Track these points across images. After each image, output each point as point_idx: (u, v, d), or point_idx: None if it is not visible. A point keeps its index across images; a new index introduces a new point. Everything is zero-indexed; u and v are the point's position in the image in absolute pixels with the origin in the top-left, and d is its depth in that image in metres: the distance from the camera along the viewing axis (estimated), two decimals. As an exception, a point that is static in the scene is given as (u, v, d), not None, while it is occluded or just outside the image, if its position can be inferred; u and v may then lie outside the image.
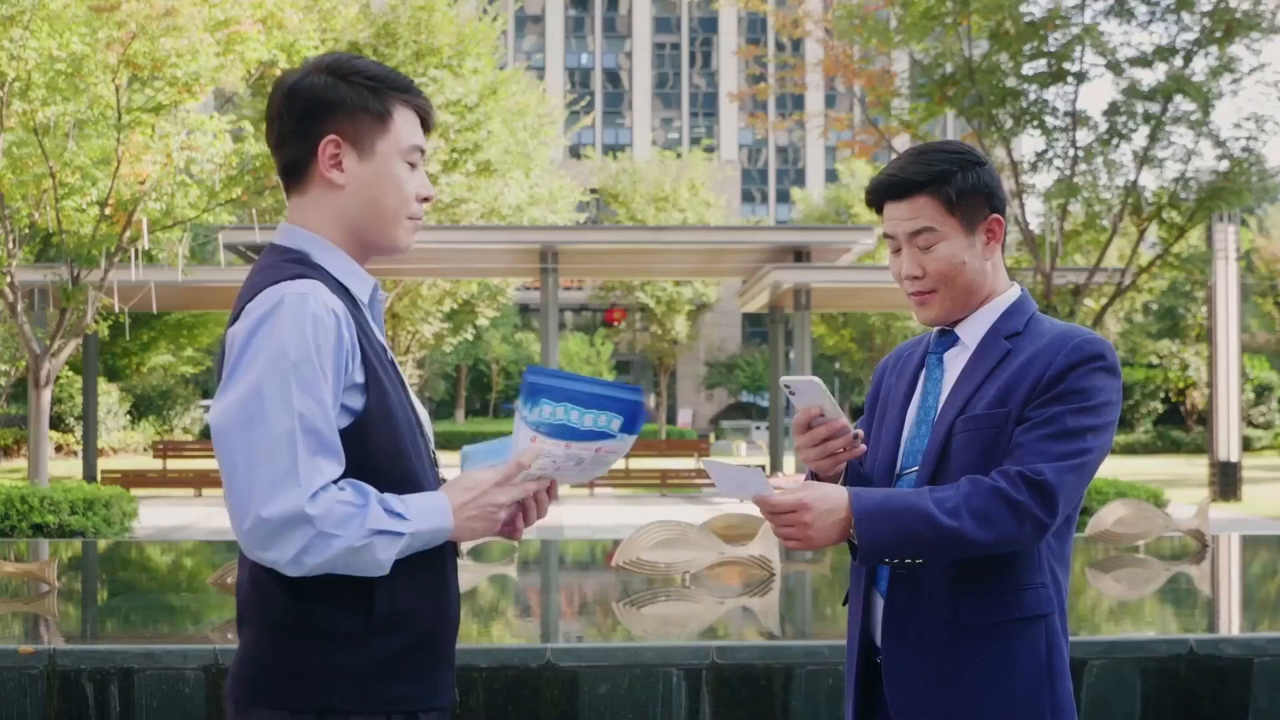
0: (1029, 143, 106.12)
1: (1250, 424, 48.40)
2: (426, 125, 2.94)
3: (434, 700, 2.83)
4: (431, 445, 2.96)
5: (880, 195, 3.16)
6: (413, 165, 2.87)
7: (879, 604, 3.15)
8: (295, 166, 2.84)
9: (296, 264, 2.76)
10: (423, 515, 2.69)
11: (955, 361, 3.17)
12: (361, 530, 2.59)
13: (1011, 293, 3.19)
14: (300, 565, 2.58)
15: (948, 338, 3.20)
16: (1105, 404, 3.00)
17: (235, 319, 2.71)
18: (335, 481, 2.63)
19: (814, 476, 3.29)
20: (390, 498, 2.68)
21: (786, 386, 3.09)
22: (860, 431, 3.19)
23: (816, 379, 3.06)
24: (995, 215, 3.14)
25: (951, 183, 3.08)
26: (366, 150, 2.81)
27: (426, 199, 2.91)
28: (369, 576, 2.67)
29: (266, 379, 2.60)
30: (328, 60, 2.84)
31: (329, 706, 2.71)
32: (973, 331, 3.16)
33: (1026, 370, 3.01)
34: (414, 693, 2.78)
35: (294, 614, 2.72)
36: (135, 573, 9.08)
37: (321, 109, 2.79)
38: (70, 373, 37.54)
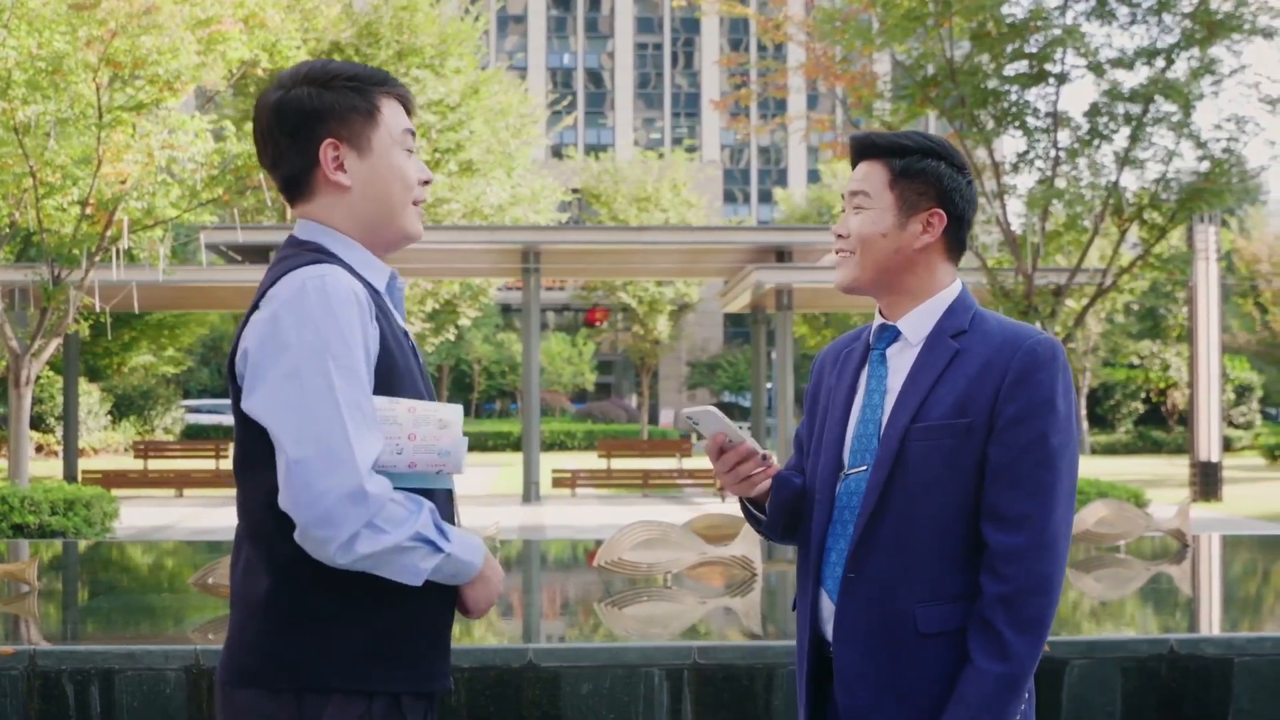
0: (1010, 144, 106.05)
1: (1231, 424, 48.55)
2: (409, 111, 3.02)
3: (420, 685, 2.85)
4: None
5: (853, 151, 3.23)
6: (409, 151, 2.95)
7: (825, 601, 3.15)
8: (297, 179, 2.92)
9: (312, 252, 2.84)
10: (461, 545, 2.78)
11: (899, 358, 3.16)
12: (410, 532, 2.66)
13: (953, 289, 3.18)
14: (350, 552, 2.62)
15: (889, 332, 3.19)
16: (1067, 415, 3.03)
17: (255, 307, 2.78)
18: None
19: (743, 505, 3.38)
20: (437, 517, 2.77)
21: (689, 418, 3.13)
22: (769, 453, 3.21)
23: (713, 408, 3.08)
24: (939, 210, 3.13)
25: (904, 158, 3.13)
26: (364, 148, 2.89)
27: (426, 181, 3.00)
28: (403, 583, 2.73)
29: (303, 361, 2.65)
30: (304, 71, 2.91)
31: (308, 685, 2.74)
32: (915, 327, 3.15)
33: (983, 378, 3.02)
34: (396, 675, 2.80)
35: (278, 595, 2.77)
36: (116, 573, 9.06)
37: (313, 118, 2.88)
38: (51, 373, 37.43)
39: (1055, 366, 3.01)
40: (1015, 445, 2.98)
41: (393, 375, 2.82)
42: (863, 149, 3.19)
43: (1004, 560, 2.95)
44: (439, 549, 2.71)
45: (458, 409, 2.88)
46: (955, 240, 3.18)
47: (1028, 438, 2.98)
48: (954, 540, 3.02)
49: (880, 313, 3.23)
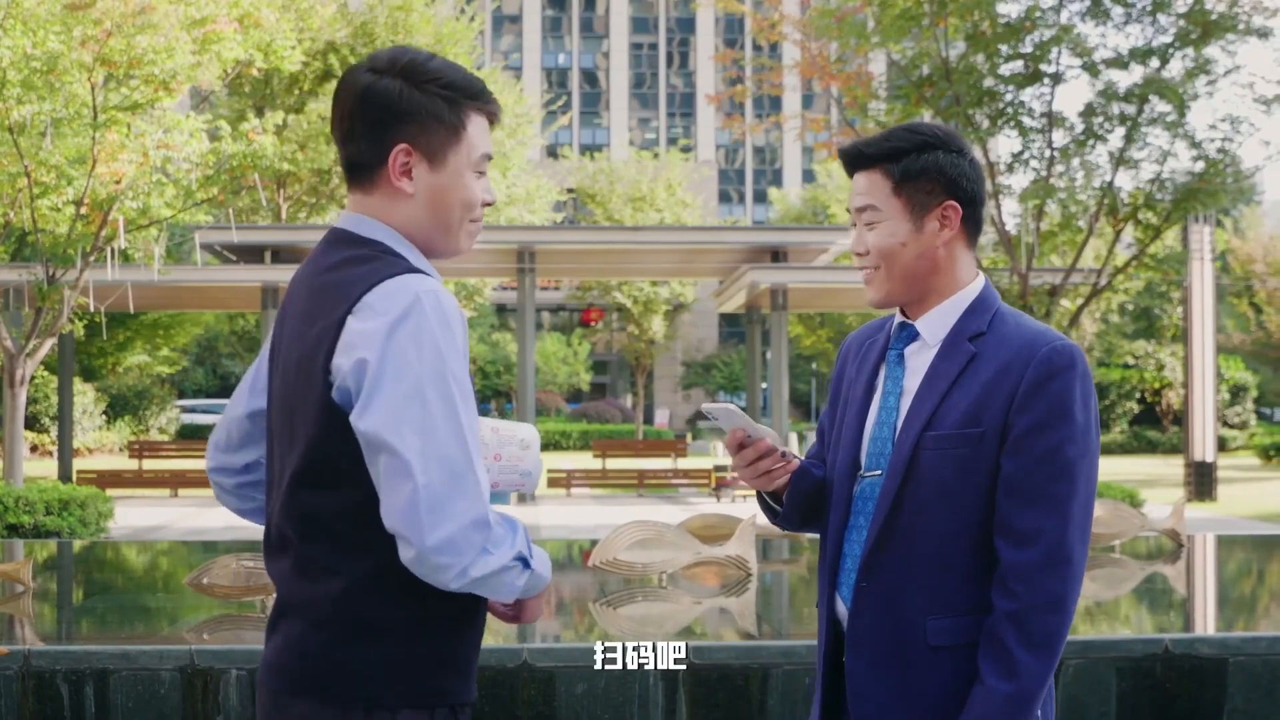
0: (1005, 144, 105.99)
1: (1225, 424, 48.53)
2: (495, 123, 2.91)
3: (471, 694, 2.83)
4: None
5: (844, 164, 3.14)
6: (481, 173, 2.84)
7: (840, 606, 3.13)
8: (364, 166, 2.80)
9: (390, 255, 2.74)
10: (540, 561, 2.74)
11: (916, 359, 3.09)
12: (514, 553, 2.63)
13: (974, 286, 3.10)
14: (464, 577, 2.57)
15: (907, 331, 3.12)
16: (1085, 425, 2.95)
17: (349, 310, 2.64)
18: None
19: (759, 496, 3.32)
20: (527, 534, 2.75)
21: (708, 414, 3.08)
22: (788, 449, 3.15)
23: (732, 406, 3.03)
24: (951, 202, 3.04)
25: (900, 162, 3.03)
26: (438, 161, 2.78)
27: (489, 204, 2.88)
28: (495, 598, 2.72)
29: (429, 384, 2.57)
30: (403, 61, 2.77)
31: (377, 699, 2.68)
32: (934, 328, 3.08)
33: (997, 386, 2.94)
34: (456, 686, 2.77)
35: (349, 605, 2.68)
36: (111, 573, 9.06)
37: (395, 118, 2.75)
38: (45, 373, 37.39)
39: (1073, 373, 2.92)
40: (1029, 456, 2.90)
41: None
42: (856, 160, 3.10)
43: (1015, 576, 2.88)
44: (528, 566, 2.68)
45: (535, 430, 2.83)
46: (973, 224, 3.10)
47: (1042, 449, 2.90)
48: (966, 552, 2.96)
49: (901, 309, 3.15)
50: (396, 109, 2.74)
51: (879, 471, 3.06)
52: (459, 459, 2.56)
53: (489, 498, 2.60)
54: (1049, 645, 2.88)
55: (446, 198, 2.79)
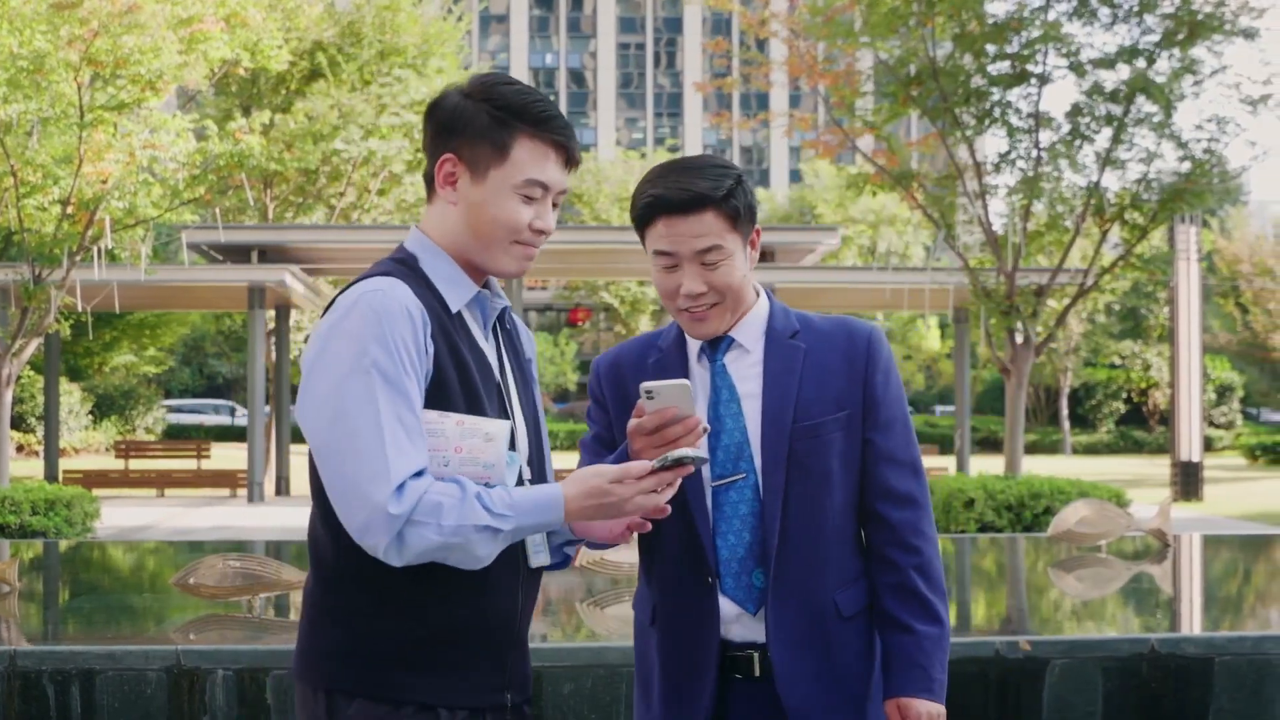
0: (992, 143, 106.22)
1: (1212, 424, 48.63)
2: (570, 159, 2.93)
3: (459, 698, 2.83)
4: (520, 460, 2.95)
5: (667, 209, 3.09)
6: (530, 198, 2.87)
7: (726, 606, 3.16)
8: (428, 177, 2.93)
9: (398, 264, 2.86)
10: (530, 510, 2.72)
11: (740, 364, 3.22)
12: (454, 524, 2.64)
13: (763, 295, 3.30)
14: (402, 554, 2.65)
15: (725, 341, 3.22)
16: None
17: (327, 309, 2.83)
18: (419, 474, 2.68)
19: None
20: (496, 493, 2.70)
21: (647, 392, 2.87)
22: (708, 426, 3.00)
23: (687, 382, 2.87)
24: (757, 227, 3.23)
25: (736, 197, 3.10)
26: (480, 175, 2.86)
27: (543, 232, 2.91)
28: (463, 568, 2.73)
29: (348, 377, 2.68)
30: (475, 80, 2.91)
31: (336, 685, 2.78)
32: (750, 335, 3.23)
33: (849, 370, 3.17)
34: (429, 685, 2.80)
35: (316, 596, 2.84)
36: (97, 573, 9.04)
37: (446, 130, 2.88)
38: (32, 372, 37.30)
39: (889, 351, 3.24)
40: (891, 427, 3.20)
41: (445, 393, 2.79)
42: (695, 203, 3.07)
43: (911, 533, 3.18)
44: (496, 530, 2.67)
45: (505, 424, 2.82)
46: None
47: (896, 418, 3.22)
48: (853, 524, 3.21)
49: None
50: (449, 122, 2.88)
51: (742, 475, 3.15)
52: (371, 448, 2.64)
53: (395, 480, 2.62)
54: (944, 589, 3.21)
55: (483, 212, 2.86)
